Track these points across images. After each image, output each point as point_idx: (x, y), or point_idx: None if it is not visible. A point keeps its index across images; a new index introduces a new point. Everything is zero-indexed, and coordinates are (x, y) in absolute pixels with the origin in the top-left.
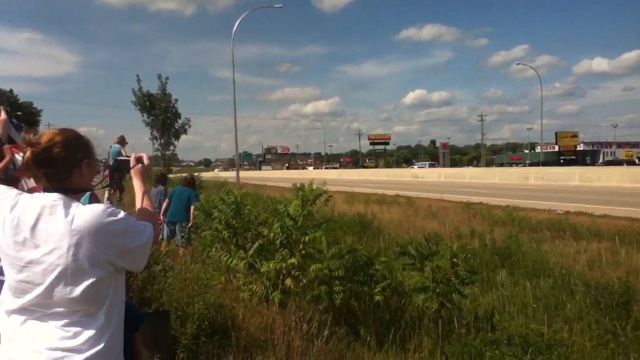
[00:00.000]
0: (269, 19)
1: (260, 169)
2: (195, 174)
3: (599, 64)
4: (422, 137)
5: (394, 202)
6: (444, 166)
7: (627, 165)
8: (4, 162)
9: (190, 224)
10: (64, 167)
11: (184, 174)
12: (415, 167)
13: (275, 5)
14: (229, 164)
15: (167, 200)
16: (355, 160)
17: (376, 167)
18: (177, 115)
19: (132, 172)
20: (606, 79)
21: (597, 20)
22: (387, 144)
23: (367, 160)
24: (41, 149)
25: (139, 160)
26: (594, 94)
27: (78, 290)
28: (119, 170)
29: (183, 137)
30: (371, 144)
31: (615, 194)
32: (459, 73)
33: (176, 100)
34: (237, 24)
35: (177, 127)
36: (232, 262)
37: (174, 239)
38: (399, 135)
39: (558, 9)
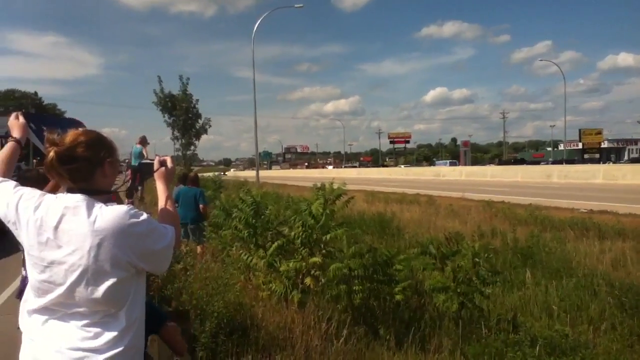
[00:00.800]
0: (289, 18)
1: (270, 168)
2: (216, 173)
3: (624, 59)
4: (443, 135)
5: (414, 201)
6: (465, 164)
7: None
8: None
9: (205, 222)
10: (88, 166)
11: (210, 173)
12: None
13: (296, 5)
14: (249, 164)
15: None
16: (375, 159)
17: (396, 165)
18: (197, 115)
19: (156, 175)
20: (632, 75)
21: (621, 14)
22: (408, 142)
23: (387, 159)
24: (65, 148)
25: (162, 163)
26: (619, 90)
27: (99, 290)
28: (142, 173)
29: (204, 137)
30: (391, 142)
31: None
32: (480, 70)
33: (197, 100)
34: (257, 24)
35: (197, 127)
36: (251, 261)
37: (188, 240)
38: (419, 134)
39: (581, 3)
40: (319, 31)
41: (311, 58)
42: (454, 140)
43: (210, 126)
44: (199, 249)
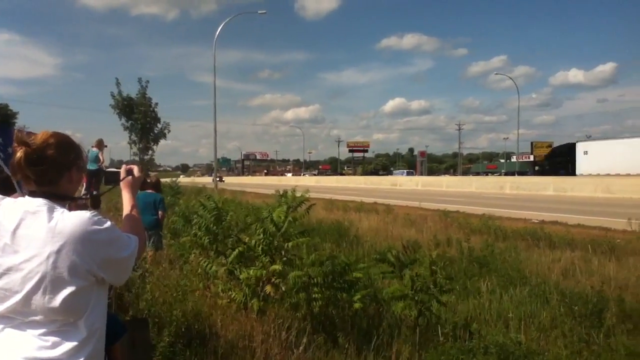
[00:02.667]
0: (251, 25)
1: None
2: (181, 178)
3: (575, 75)
4: (401, 145)
5: (372, 210)
6: (421, 174)
7: (600, 175)
8: None
9: (161, 228)
10: (56, 169)
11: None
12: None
13: (259, 11)
14: (207, 170)
15: None
16: (333, 167)
17: (354, 174)
18: (156, 119)
19: (122, 184)
20: (581, 90)
21: (573, 32)
22: (366, 151)
23: (345, 168)
24: (34, 149)
25: (129, 172)
26: (569, 105)
27: (57, 299)
28: (107, 182)
29: (162, 141)
30: (350, 151)
31: (589, 203)
32: (438, 82)
33: (156, 104)
34: (219, 29)
35: (156, 131)
36: (211, 268)
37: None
38: (377, 143)
39: (536, 21)
40: (282, 39)
41: (273, 65)
42: (411, 150)
43: (169, 131)
44: (149, 254)
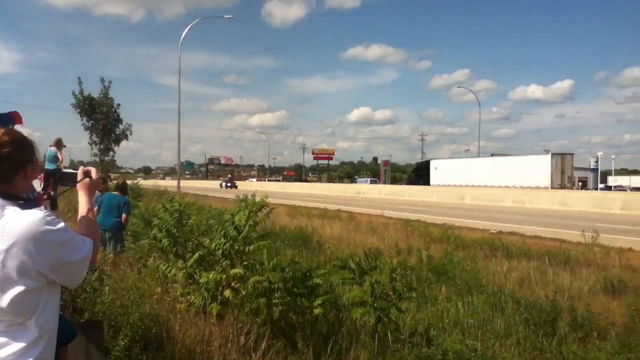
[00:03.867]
0: (218, 29)
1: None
2: (135, 181)
3: (534, 90)
4: (365, 153)
5: (336, 217)
6: (384, 183)
7: (450, 186)
8: None
9: (125, 232)
10: (11, 167)
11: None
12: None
13: (226, 16)
14: (170, 173)
15: (96, 207)
16: (298, 174)
17: (319, 181)
18: (118, 120)
19: (79, 185)
20: (540, 106)
21: (533, 49)
22: (331, 159)
23: (310, 175)
24: None
25: (87, 174)
26: (528, 119)
27: (4, 299)
28: (63, 183)
29: (123, 143)
30: (315, 158)
31: (546, 215)
32: (402, 93)
33: (118, 105)
34: (185, 31)
35: (118, 132)
36: (170, 271)
37: (105, 248)
38: (342, 151)
39: (498, 37)
40: (248, 44)
41: (239, 70)
42: (375, 159)
43: (131, 132)
44: (112, 257)
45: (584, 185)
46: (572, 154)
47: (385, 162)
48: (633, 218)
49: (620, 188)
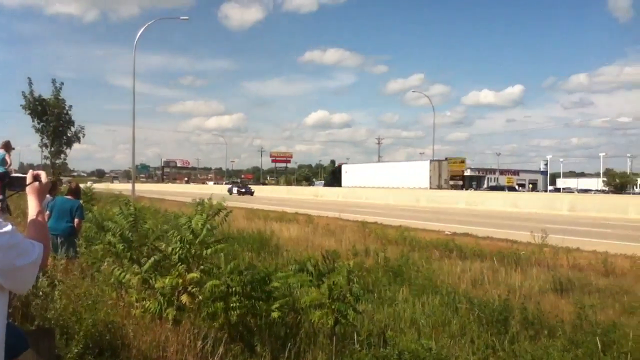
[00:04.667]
0: (174, 30)
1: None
2: (88, 184)
3: (486, 95)
4: (323, 156)
5: (294, 220)
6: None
7: (509, 190)
8: None
9: (78, 237)
10: None
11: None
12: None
13: (182, 17)
14: (124, 176)
15: (47, 211)
16: (256, 176)
17: (277, 184)
18: (70, 122)
19: (28, 189)
20: (491, 110)
21: (485, 55)
22: (289, 162)
23: (268, 178)
24: None
25: (36, 177)
26: (480, 124)
27: None
28: (11, 187)
29: (76, 146)
30: (273, 161)
31: (498, 217)
32: (359, 97)
33: (70, 106)
34: (140, 32)
35: (69, 135)
36: (124, 277)
37: (57, 253)
38: (300, 154)
39: (451, 42)
40: (205, 46)
41: (196, 72)
42: (333, 162)
43: (83, 135)
44: (64, 262)
45: (534, 188)
46: (447, 160)
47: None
48: (580, 219)
49: (568, 190)
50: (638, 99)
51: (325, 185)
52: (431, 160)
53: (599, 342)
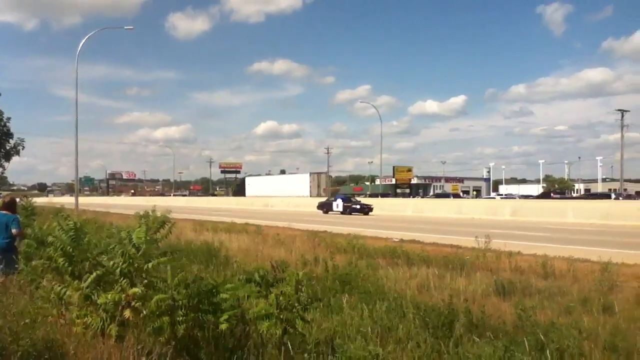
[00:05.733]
0: (119, 41)
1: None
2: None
3: (430, 106)
4: (273, 166)
5: (243, 230)
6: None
7: (454, 197)
8: None
9: (16, 252)
10: None
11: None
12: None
13: (126, 27)
14: (67, 189)
15: None
16: (205, 187)
17: (226, 195)
18: (8, 134)
19: None
20: (436, 120)
21: (429, 66)
22: (238, 172)
23: (217, 189)
24: None
25: None
26: (426, 133)
27: None
28: None
29: (15, 159)
30: (222, 172)
31: (443, 223)
32: (308, 107)
33: (8, 118)
34: (82, 42)
35: (8, 147)
36: (65, 293)
37: None
38: (250, 165)
39: (396, 54)
40: (151, 56)
41: (142, 82)
42: (282, 172)
43: (23, 147)
44: (1, 280)
45: (478, 194)
46: (326, 173)
47: None
48: (521, 223)
49: (510, 196)
50: (573, 108)
51: (234, 195)
52: (311, 173)
53: (535, 341)
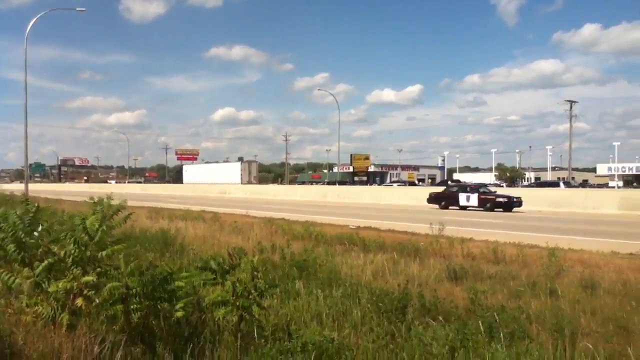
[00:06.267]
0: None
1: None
2: None
3: (388, 94)
4: (230, 153)
5: (200, 218)
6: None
7: (409, 185)
8: None
9: None
10: None
11: None
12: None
13: (78, 8)
14: (17, 175)
15: None
16: (161, 174)
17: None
18: None
19: None
20: (393, 109)
21: (386, 55)
22: (195, 159)
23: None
24: None
25: None
26: (383, 122)
27: None
28: None
29: None
30: (179, 158)
31: (399, 210)
32: (266, 94)
33: None
34: (32, 23)
35: None
36: (14, 281)
37: None
38: (207, 151)
39: (354, 42)
40: (105, 39)
41: (95, 66)
42: (240, 159)
43: None
44: None
45: (433, 182)
46: (255, 161)
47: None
48: None
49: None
50: (524, 98)
51: (173, 181)
52: (242, 162)
53: (485, 324)
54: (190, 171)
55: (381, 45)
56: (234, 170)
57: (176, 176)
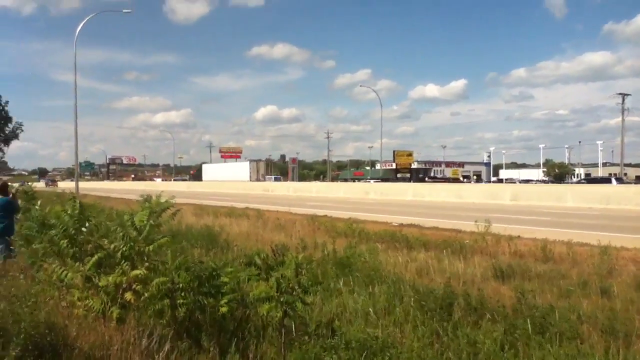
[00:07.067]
0: (117, 24)
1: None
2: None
3: (431, 90)
4: (273, 151)
5: (243, 215)
6: (292, 180)
7: (453, 182)
8: None
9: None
10: None
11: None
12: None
13: (125, 10)
14: (68, 174)
15: None
16: None
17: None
18: (7, 119)
19: None
20: (437, 104)
21: (429, 50)
22: (239, 157)
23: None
24: None
25: None
26: (426, 117)
27: None
28: None
29: (15, 143)
30: (222, 156)
31: (443, 207)
32: (308, 92)
33: (7, 102)
34: (81, 26)
35: (7, 132)
36: (67, 275)
37: None
38: (250, 149)
39: (396, 38)
40: (151, 40)
41: (141, 67)
42: (282, 156)
43: (22, 131)
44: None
45: (479, 179)
46: (262, 160)
47: (293, 160)
48: (521, 208)
49: (510, 180)
50: (574, 92)
51: (192, 180)
52: (250, 161)
53: (533, 324)
54: (209, 170)
55: (424, 40)
56: (243, 169)
57: (197, 175)
